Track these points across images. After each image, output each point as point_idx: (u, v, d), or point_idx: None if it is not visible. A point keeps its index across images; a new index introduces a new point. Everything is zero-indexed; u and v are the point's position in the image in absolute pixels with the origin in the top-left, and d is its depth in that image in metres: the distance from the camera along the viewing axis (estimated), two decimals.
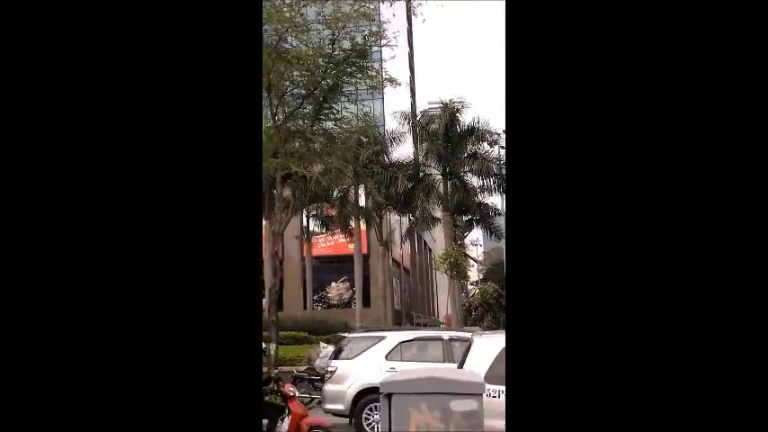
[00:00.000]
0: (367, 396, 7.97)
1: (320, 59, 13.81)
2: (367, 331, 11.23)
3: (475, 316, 27.92)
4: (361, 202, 28.75)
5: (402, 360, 8.28)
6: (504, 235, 31.46)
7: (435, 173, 26.57)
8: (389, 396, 2.80)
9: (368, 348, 8.70)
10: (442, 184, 26.18)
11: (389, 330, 10.44)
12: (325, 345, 13.89)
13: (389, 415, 2.78)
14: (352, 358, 8.71)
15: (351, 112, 18.19)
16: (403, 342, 8.65)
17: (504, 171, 24.74)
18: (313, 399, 12.87)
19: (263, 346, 14.37)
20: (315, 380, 13.02)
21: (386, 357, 8.44)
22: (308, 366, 13.55)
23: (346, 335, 10.20)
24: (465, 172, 26.12)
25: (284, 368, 13.96)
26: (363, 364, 8.32)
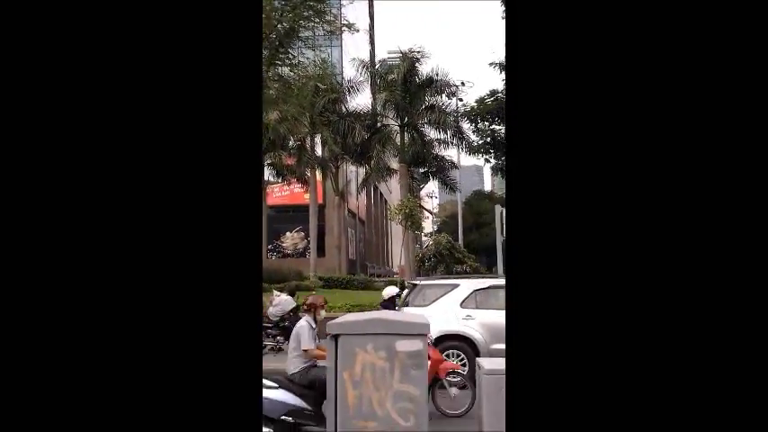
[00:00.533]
0: (444, 343, 7.95)
1: (276, 1, 13.40)
2: (438, 279, 11.07)
3: (428, 266, 28.31)
4: (318, 152, 28.49)
5: (477, 308, 8.25)
6: (458, 188, 31.76)
7: (393, 124, 26.45)
8: (336, 337, 2.85)
9: (442, 296, 8.56)
10: (399, 135, 26.10)
11: (463, 278, 10.27)
12: (278, 293, 13.93)
13: (336, 355, 2.84)
14: (427, 305, 8.56)
15: (307, 58, 17.81)
16: (477, 290, 8.58)
17: (461, 124, 24.81)
18: (266, 346, 12.99)
19: None
20: (267, 327, 13.10)
21: (460, 305, 8.37)
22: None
23: (417, 282, 10.03)
24: (422, 124, 26.07)
25: None
26: (439, 312, 8.18)
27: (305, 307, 5.29)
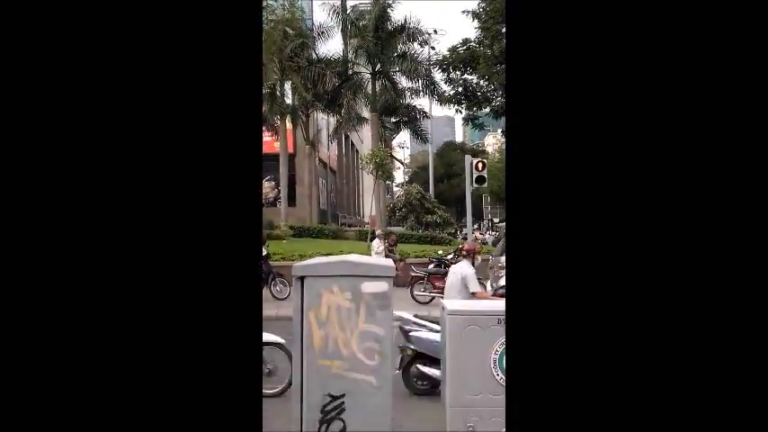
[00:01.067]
0: None
1: None
2: None
3: (399, 216, 28.49)
4: (288, 100, 28.02)
5: None
6: (429, 138, 31.69)
7: (364, 71, 26.07)
8: (302, 279, 2.89)
9: None
10: (370, 83, 25.77)
11: None
12: None
13: (302, 297, 2.88)
14: None
15: (275, 1, 17.32)
16: None
17: (433, 73, 24.56)
18: None
19: None
20: None
21: None
22: None
23: None
24: (394, 72, 25.75)
25: None
26: None
27: (464, 253, 5.67)
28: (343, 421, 2.86)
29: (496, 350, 2.97)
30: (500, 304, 3.24)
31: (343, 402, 2.86)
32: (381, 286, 2.89)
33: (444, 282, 12.85)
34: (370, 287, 2.88)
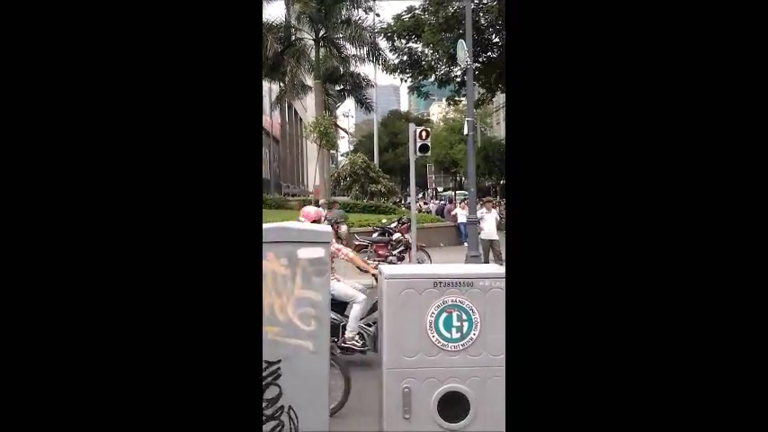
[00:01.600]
0: None
1: None
2: None
3: (343, 186, 28.42)
4: None
5: None
6: (374, 107, 31.54)
7: (307, 38, 25.61)
8: None
9: None
10: (314, 50, 25.36)
11: None
12: None
13: None
14: None
15: None
16: None
17: (378, 41, 24.34)
18: None
19: None
20: None
21: None
22: None
23: None
24: (338, 38, 25.41)
25: None
26: None
27: None
28: (279, 386, 2.87)
29: (432, 312, 3.03)
30: (437, 268, 3.29)
31: (279, 368, 2.87)
32: (318, 252, 2.90)
33: (387, 250, 13.02)
34: (306, 253, 2.88)
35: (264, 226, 3.02)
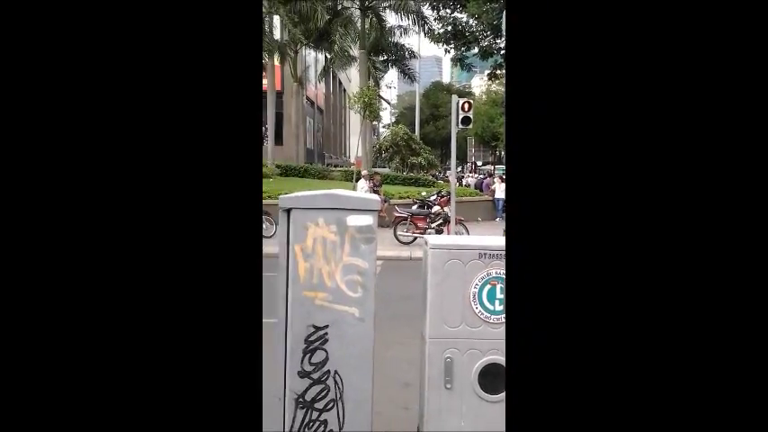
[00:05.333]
0: None
1: None
2: None
3: (384, 157, 28.39)
4: (276, 36, 27.39)
5: None
6: (417, 78, 31.25)
7: (354, 7, 25.43)
8: (288, 211, 2.91)
9: None
10: (360, 20, 25.20)
11: None
12: None
13: (288, 229, 2.91)
14: None
15: None
16: None
17: (422, 9, 24.03)
18: None
19: None
20: None
21: None
22: None
23: None
24: (384, 8, 25.16)
25: None
26: None
27: None
28: (326, 351, 2.94)
29: (476, 284, 3.04)
30: (482, 240, 3.29)
31: (326, 333, 2.93)
32: (366, 220, 2.92)
33: (426, 223, 13.06)
34: (355, 220, 2.91)
35: (315, 192, 3.06)
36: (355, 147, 30.98)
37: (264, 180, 18.73)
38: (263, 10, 22.56)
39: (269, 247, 12.65)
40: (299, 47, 27.38)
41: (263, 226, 13.15)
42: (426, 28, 24.58)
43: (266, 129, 29.07)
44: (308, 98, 35.13)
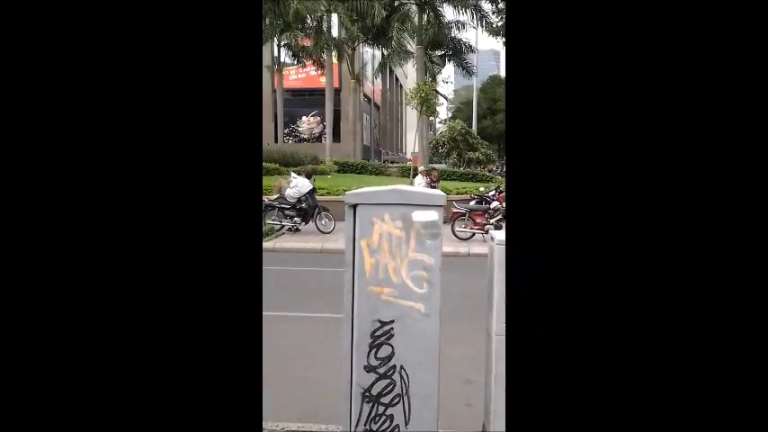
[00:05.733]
0: None
1: None
2: None
3: (441, 153, 28.24)
4: (334, 33, 27.62)
5: None
6: (475, 72, 30.93)
7: (411, 2, 25.38)
8: (354, 207, 2.93)
9: None
10: (417, 15, 25.13)
11: None
12: (296, 175, 14.10)
13: (354, 224, 2.92)
14: None
15: None
16: None
17: (480, 3, 23.76)
18: (284, 226, 13.34)
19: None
20: (285, 208, 13.40)
21: None
22: (278, 195, 13.85)
23: None
24: (441, 3, 25.02)
25: None
26: None
27: None
28: (391, 346, 2.94)
29: None
30: None
31: (392, 328, 2.93)
32: (432, 215, 2.91)
33: (485, 218, 12.93)
34: (420, 216, 2.90)
35: (380, 188, 3.06)
36: (412, 143, 30.92)
37: (322, 177, 18.95)
38: (323, 8, 22.81)
39: (329, 243, 12.74)
40: (356, 44, 27.53)
41: (323, 222, 13.28)
42: (484, 21, 24.31)
43: (324, 126, 29.38)
44: (365, 95, 35.31)
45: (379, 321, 2.93)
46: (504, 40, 21.99)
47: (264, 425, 3.84)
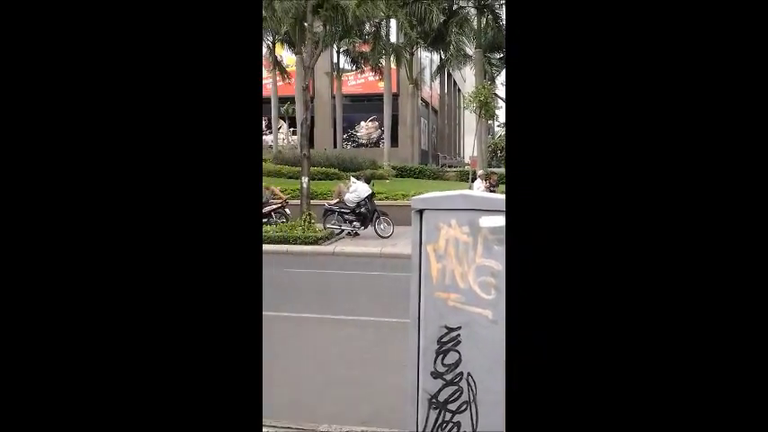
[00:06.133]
0: None
1: None
2: None
3: (500, 157, 27.92)
4: (393, 38, 27.76)
5: None
6: None
7: (470, 6, 25.26)
8: (421, 212, 2.92)
9: None
10: (476, 18, 24.98)
11: None
12: (355, 180, 14.21)
13: (420, 230, 2.92)
14: None
15: None
16: None
17: None
18: (343, 230, 13.47)
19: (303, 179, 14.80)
20: (344, 213, 13.53)
21: None
22: (338, 200, 13.99)
23: None
24: (500, 5, 24.78)
25: (315, 202, 14.48)
26: None
27: None
28: (458, 353, 2.91)
29: None
30: None
31: (459, 335, 2.91)
32: (499, 220, 2.87)
33: None
34: (488, 221, 2.87)
35: (447, 193, 3.04)
36: (470, 147, 30.70)
37: (381, 181, 19.04)
38: (381, 14, 22.94)
39: (387, 248, 12.73)
40: (414, 49, 27.58)
41: (382, 226, 13.33)
42: None
43: (382, 131, 29.53)
44: (422, 99, 35.29)
45: (446, 327, 2.90)
46: None
47: (328, 428, 3.88)
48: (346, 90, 33.00)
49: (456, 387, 2.90)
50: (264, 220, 13.79)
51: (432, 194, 3.04)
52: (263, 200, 14.27)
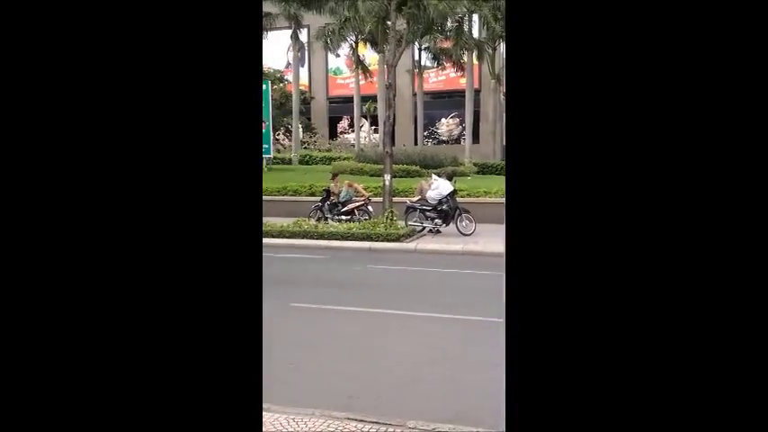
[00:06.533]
0: None
1: None
2: None
3: None
4: (474, 33, 27.52)
5: None
6: None
7: None
8: None
9: None
10: None
11: None
12: (436, 177, 14.19)
13: None
14: None
15: None
16: None
17: None
18: (425, 227, 13.50)
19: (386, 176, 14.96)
20: (426, 210, 13.55)
21: None
22: (419, 197, 14.01)
23: None
24: None
25: (396, 199, 14.57)
26: None
27: None
28: None
29: None
30: None
31: None
32: None
33: None
34: None
35: None
36: None
37: (462, 178, 18.91)
38: (464, 7, 22.79)
39: (470, 245, 12.63)
40: (497, 43, 27.20)
41: (464, 223, 13.24)
42: None
43: (464, 127, 29.35)
44: (504, 95, 34.75)
45: None
46: None
47: (414, 424, 3.90)
48: (427, 87, 33.01)
49: None
50: (347, 218, 14.01)
51: None
52: (347, 197, 14.52)
